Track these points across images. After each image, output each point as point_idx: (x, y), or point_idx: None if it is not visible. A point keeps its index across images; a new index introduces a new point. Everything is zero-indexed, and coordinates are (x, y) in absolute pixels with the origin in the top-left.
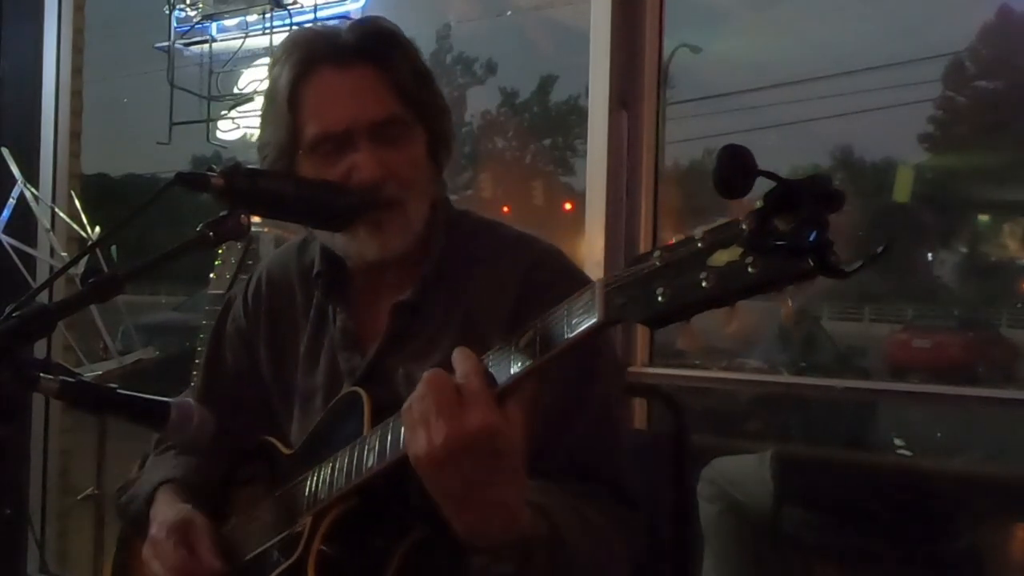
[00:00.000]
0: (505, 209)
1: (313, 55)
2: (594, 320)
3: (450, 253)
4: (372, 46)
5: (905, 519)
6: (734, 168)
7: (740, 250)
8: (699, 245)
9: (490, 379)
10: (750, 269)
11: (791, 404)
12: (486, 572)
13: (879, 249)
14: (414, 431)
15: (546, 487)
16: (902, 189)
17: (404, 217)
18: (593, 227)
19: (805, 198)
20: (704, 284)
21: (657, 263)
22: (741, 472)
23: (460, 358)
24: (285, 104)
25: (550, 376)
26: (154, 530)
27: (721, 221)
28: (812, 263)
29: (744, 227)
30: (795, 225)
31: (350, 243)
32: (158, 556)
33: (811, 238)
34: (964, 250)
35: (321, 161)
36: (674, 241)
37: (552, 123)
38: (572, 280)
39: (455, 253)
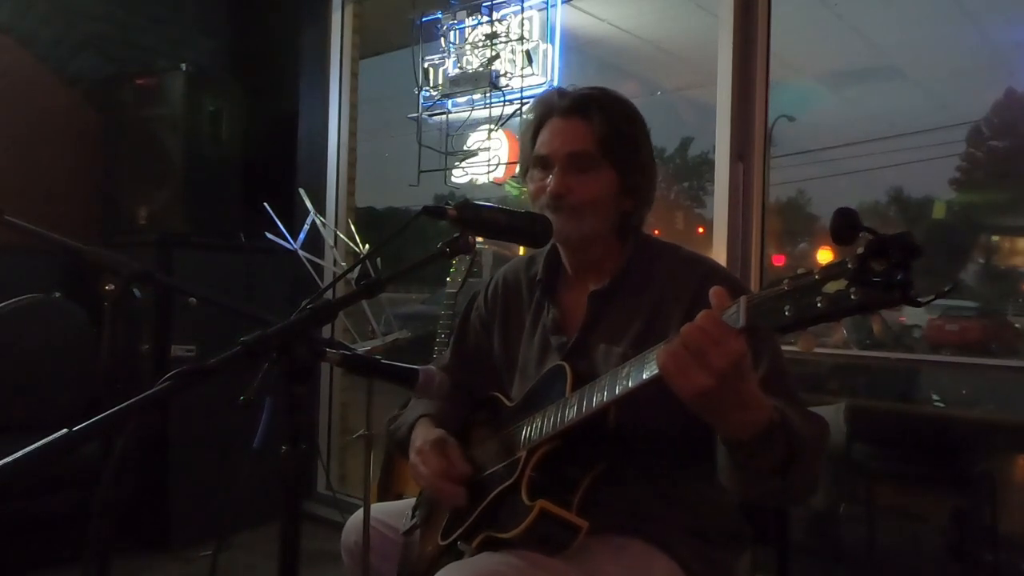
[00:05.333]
0: (656, 232)
1: (549, 109)
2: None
3: (636, 261)
4: (580, 105)
5: (938, 451)
6: (845, 224)
7: (846, 282)
8: (816, 277)
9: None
10: (853, 296)
11: (859, 370)
12: (751, 458)
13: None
14: (687, 372)
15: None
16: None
17: (576, 223)
18: (719, 245)
19: (895, 248)
20: (819, 305)
21: (785, 287)
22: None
23: (703, 315)
24: (530, 136)
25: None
26: (419, 443)
27: (832, 261)
28: (899, 295)
29: (850, 266)
30: (888, 267)
31: (540, 253)
32: (424, 463)
33: (899, 277)
34: (981, 261)
35: (538, 174)
36: (799, 271)
37: (689, 171)
38: (733, 288)
39: (641, 261)
